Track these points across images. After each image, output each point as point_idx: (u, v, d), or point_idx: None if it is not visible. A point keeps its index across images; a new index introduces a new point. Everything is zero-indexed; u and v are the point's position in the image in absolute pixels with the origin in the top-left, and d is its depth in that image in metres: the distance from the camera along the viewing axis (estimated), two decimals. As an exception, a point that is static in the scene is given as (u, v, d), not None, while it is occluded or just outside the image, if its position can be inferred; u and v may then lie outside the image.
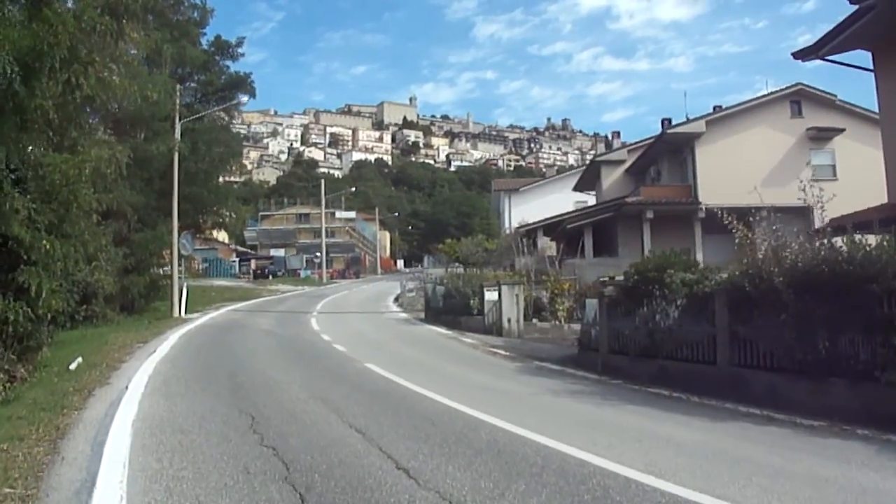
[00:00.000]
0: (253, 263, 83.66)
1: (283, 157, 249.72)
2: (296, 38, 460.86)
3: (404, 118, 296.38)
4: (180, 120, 31.75)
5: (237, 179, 43.02)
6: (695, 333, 13.38)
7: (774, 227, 12.65)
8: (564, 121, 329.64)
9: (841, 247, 10.98)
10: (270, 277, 75.11)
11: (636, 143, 47.14)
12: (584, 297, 18.88)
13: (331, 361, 16.87)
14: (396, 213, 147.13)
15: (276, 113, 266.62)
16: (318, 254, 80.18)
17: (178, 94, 32.02)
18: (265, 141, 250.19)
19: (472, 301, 27.20)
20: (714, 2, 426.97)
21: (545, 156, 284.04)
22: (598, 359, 16.44)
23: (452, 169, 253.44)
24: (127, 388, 12.38)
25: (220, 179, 39.07)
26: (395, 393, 12.13)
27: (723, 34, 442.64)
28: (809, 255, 11.15)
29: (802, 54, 21.48)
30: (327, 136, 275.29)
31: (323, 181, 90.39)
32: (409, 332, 26.39)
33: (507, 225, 61.61)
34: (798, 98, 38.55)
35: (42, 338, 15.13)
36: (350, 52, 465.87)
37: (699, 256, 36.79)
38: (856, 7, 18.25)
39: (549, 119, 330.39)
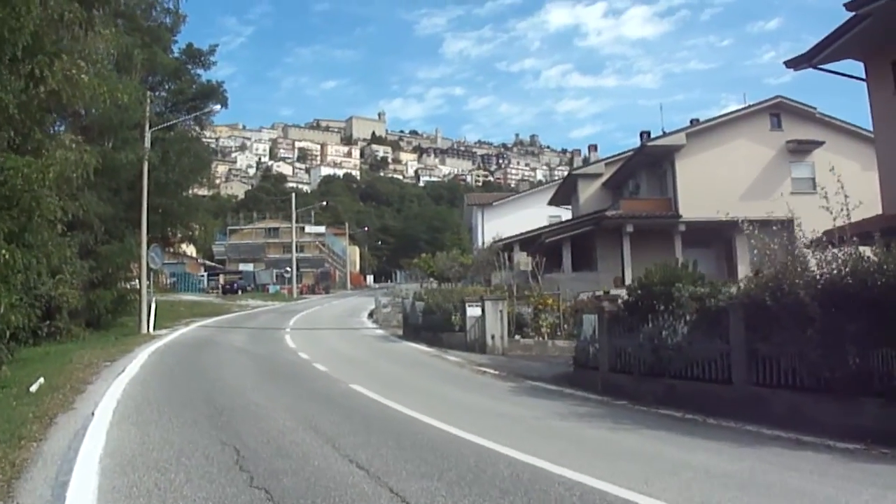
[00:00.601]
0: (221, 278, 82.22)
1: (252, 171, 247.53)
2: (265, 53, 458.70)
3: (373, 133, 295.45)
4: (150, 128, 30.51)
5: (205, 193, 41.57)
6: (707, 351, 12.68)
7: (797, 239, 11.83)
8: (532, 137, 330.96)
9: (869, 257, 10.25)
10: (240, 292, 73.61)
11: (613, 156, 46.51)
12: (578, 312, 17.89)
13: (314, 382, 15.71)
14: (366, 228, 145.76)
15: (244, 127, 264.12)
16: (288, 269, 78.82)
17: (148, 101, 30.80)
18: (233, 155, 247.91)
19: (453, 317, 26.31)
20: (680, 20, 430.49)
21: (513, 171, 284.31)
22: (597, 378, 15.59)
23: (421, 184, 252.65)
24: (93, 414, 11.10)
25: (190, 192, 37.75)
26: (390, 418, 11.05)
27: (689, 51, 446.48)
28: (834, 266, 10.40)
29: (795, 63, 21.03)
30: (296, 150, 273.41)
31: (293, 195, 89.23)
32: (389, 350, 25.39)
33: (480, 239, 60.81)
34: (777, 111, 38.08)
35: (0, 356, 13.96)
36: (319, 68, 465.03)
37: (679, 271, 36.28)
38: (851, 14, 17.74)
39: (517, 135, 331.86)
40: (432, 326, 27.67)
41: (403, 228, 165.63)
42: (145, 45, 29.27)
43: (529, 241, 43.83)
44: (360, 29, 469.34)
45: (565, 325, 25.61)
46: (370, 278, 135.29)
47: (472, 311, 25.30)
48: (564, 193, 52.06)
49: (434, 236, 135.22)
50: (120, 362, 19.15)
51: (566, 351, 23.73)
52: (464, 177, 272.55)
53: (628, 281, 36.77)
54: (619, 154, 45.85)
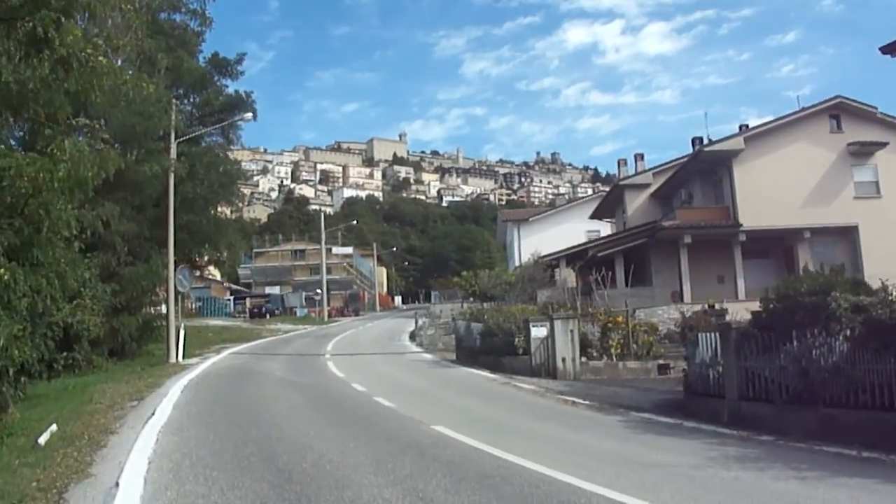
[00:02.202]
0: (248, 302, 79.96)
1: (274, 194, 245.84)
2: (286, 78, 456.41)
3: (394, 154, 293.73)
4: (176, 139, 28.14)
5: (230, 216, 38.91)
6: (878, 372, 10.33)
7: None
8: (554, 154, 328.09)
9: None
10: (268, 316, 71.06)
11: (662, 165, 43.93)
12: (693, 330, 15.09)
13: (387, 424, 12.67)
14: (394, 248, 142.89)
15: (265, 151, 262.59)
16: (318, 290, 76.38)
17: (174, 108, 28.43)
18: (255, 178, 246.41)
19: (516, 339, 23.68)
20: (698, 35, 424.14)
21: (536, 189, 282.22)
22: (723, 407, 12.99)
23: (444, 204, 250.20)
24: (118, 484, 8.13)
25: (218, 210, 35.33)
26: (517, 479, 8.10)
27: (708, 66, 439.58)
28: None
29: (892, 48, 18.98)
30: (318, 172, 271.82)
31: (322, 216, 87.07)
32: (449, 378, 22.63)
33: (516, 256, 58.59)
34: (837, 112, 35.59)
35: (5, 397, 11.48)
36: (340, 91, 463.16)
37: (740, 283, 33.95)
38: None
39: (538, 153, 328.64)
40: (492, 350, 25.04)
41: (431, 248, 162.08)
42: (170, 50, 26.92)
43: (575, 257, 41.37)
44: (380, 52, 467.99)
45: (634, 345, 23.40)
46: (398, 299, 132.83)
47: (537, 332, 22.83)
48: (609, 206, 49.49)
49: (464, 255, 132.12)
50: (149, 401, 16.16)
51: (639, 373, 22.06)
52: (486, 196, 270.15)
53: (687, 296, 34.48)
54: (668, 163, 43.30)
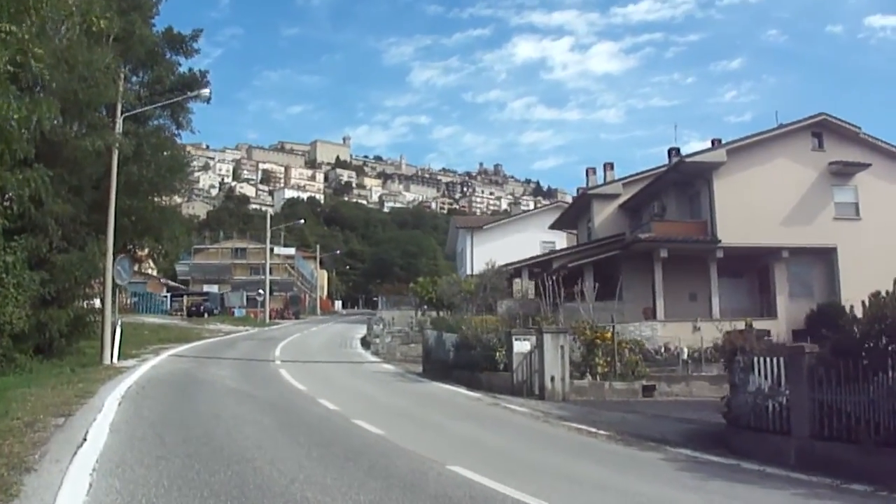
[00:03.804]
0: (186, 300, 76.46)
1: (214, 191, 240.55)
2: (233, 75, 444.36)
3: (337, 158, 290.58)
4: (123, 114, 25.33)
5: (173, 206, 35.61)
6: None
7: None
8: (496, 166, 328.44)
9: None
10: (206, 316, 67.92)
11: (633, 175, 42.23)
12: (745, 353, 12.67)
13: (389, 462, 9.69)
14: (338, 251, 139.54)
15: (207, 147, 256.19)
16: (261, 291, 73.28)
17: (122, 77, 25.56)
18: (196, 174, 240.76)
19: (497, 353, 21.67)
20: (645, 57, 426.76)
21: (478, 200, 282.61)
22: (789, 446, 10.87)
23: (386, 210, 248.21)
24: None
25: (165, 198, 32.26)
26: None
27: (653, 88, 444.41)
28: None
29: None
30: (259, 172, 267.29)
31: (268, 216, 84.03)
32: (427, 395, 20.17)
33: (468, 264, 56.65)
34: (820, 130, 34.67)
35: None
36: (286, 92, 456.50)
37: (715, 302, 32.40)
38: None
39: (481, 164, 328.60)
40: (469, 364, 22.91)
41: (374, 253, 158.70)
42: (122, 13, 23.95)
43: (536, 267, 39.56)
44: (329, 55, 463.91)
45: (619, 364, 21.57)
46: (339, 304, 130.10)
47: (520, 347, 20.94)
48: (573, 215, 47.71)
49: (409, 262, 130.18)
50: (79, 418, 12.71)
51: (626, 395, 20.48)
52: (428, 204, 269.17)
53: (660, 313, 32.61)
54: (639, 173, 41.72)
